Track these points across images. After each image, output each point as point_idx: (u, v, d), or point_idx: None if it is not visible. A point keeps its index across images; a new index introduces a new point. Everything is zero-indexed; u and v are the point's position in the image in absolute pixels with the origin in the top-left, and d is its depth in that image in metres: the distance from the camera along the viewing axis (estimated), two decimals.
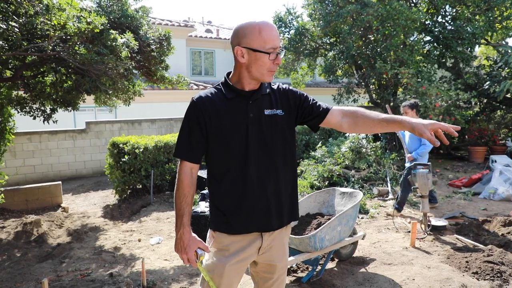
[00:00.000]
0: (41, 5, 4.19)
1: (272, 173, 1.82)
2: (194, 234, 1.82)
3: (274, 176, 1.83)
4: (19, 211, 6.47)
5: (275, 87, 1.92)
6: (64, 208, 6.69)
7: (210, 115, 1.76)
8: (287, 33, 12.02)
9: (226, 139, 1.78)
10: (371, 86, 11.30)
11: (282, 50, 1.76)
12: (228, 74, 1.87)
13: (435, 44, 10.70)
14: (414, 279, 3.54)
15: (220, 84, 1.85)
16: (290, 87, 1.95)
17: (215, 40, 18.38)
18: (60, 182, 7.32)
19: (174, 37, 6.44)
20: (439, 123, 1.71)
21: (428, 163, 4.81)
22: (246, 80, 1.79)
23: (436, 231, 4.82)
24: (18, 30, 4.07)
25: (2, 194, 5.88)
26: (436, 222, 4.92)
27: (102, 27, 4.52)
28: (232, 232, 1.83)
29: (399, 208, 5.48)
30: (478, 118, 10.80)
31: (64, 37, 4.50)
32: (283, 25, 11.93)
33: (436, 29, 10.44)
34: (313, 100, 1.95)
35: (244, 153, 1.78)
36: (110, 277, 3.82)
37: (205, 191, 5.20)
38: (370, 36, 10.28)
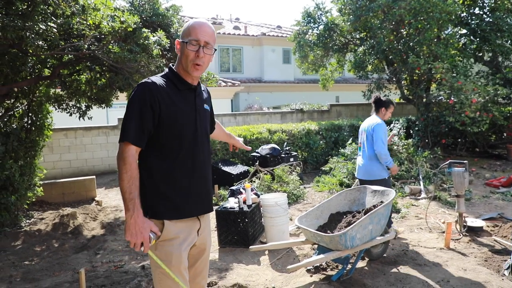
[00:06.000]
0: (77, 6, 4.33)
1: (207, 161, 2.05)
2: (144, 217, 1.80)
3: (208, 164, 2.07)
4: (56, 204, 6.76)
5: (203, 86, 2.16)
6: (98, 202, 6.93)
7: (165, 103, 1.84)
8: (316, 28, 11.87)
9: (179, 127, 1.88)
10: (402, 82, 10.99)
11: (209, 48, 1.91)
12: (171, 67, 2.00)
13: (471, 37, 10.27)
14: (449, 281, 3.43)
15: (168, 75, 1.95)
16: None
17: (243, 37, 18.42)
18: (94, 176, 7.59)
19: None
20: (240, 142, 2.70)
21: (465, 161, 4.63)
22: (183, 72, 1.95)
23: (473, 232, 4.64)
24: (56, 30, 4.22)
25: (41, 187, 6.16)
26: (472, 223, 4.74)
27: (135, 25, 4.62)
28: (181, 217, 1.90)
29: None
30: None
31: (98, 36, 4.64)
32: (312, 20, 11.79)
33: (473, 22, 10.01)
34: None
35: (193, 141, 1.94)
36: (142, 269, 3.92)
37: (234, 187, 5.24)
38: (402, 30, 9.99)
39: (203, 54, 1.87)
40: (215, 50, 1.99)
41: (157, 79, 1.89)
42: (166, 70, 2.00)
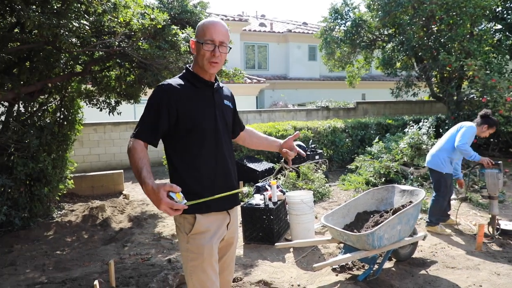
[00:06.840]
0: (109, 4, 4.43)
1: (231, 155, 2.07)
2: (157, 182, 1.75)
3: (231, 158, 2.08)
4: (85, 196, 6.97)
5: (223, 85, 2.17)
6: (125, 195, 7.10)
7: (182, 102, 1.89)
8: (343, 25, 11.69)
9: (198, 124, 1.92)
10: (432, 79, 10.67)
11: (224, 46, 1.94)
12: (187, 68, 2.04)
13: (507, 33, 9.83)
14: (481, 286, 3.31)
15: (185, 75, 2.01)
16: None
17: (269, 34, 18.37)
18: (122, 170, 7.78)
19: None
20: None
21: (499, 161, 4.46)
22: (199, 70, 1.99)
23: (506, 235, 4.45)
24: (88, 28, 4.33)
25: (72, 180, 6.36)
26: (506, 226, 4.55)
27: (164, 23, 4.68)
28: (210, 211, 1.94)
29: None
30: None
31: (128, 33, 4.73)
32: (339, 17, 11.62)
33: (509, 16, 9.58)
34: None
35: (215, 135, 1.97)
36: (169, 262, 3.99)
37: (260, 184, 5.24)
38: (433, 26, 9.68)
39: (219, 53, 1.93)
40: (230, 48, 2.04)
41: (174, 80, 1.97)
42: (183, 71, 2.06)
